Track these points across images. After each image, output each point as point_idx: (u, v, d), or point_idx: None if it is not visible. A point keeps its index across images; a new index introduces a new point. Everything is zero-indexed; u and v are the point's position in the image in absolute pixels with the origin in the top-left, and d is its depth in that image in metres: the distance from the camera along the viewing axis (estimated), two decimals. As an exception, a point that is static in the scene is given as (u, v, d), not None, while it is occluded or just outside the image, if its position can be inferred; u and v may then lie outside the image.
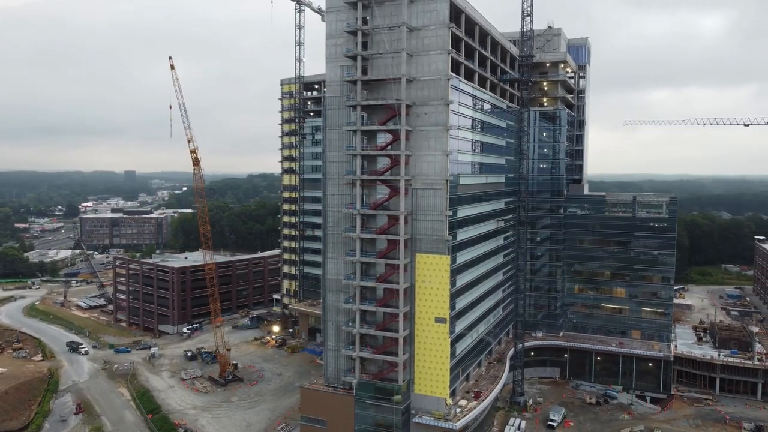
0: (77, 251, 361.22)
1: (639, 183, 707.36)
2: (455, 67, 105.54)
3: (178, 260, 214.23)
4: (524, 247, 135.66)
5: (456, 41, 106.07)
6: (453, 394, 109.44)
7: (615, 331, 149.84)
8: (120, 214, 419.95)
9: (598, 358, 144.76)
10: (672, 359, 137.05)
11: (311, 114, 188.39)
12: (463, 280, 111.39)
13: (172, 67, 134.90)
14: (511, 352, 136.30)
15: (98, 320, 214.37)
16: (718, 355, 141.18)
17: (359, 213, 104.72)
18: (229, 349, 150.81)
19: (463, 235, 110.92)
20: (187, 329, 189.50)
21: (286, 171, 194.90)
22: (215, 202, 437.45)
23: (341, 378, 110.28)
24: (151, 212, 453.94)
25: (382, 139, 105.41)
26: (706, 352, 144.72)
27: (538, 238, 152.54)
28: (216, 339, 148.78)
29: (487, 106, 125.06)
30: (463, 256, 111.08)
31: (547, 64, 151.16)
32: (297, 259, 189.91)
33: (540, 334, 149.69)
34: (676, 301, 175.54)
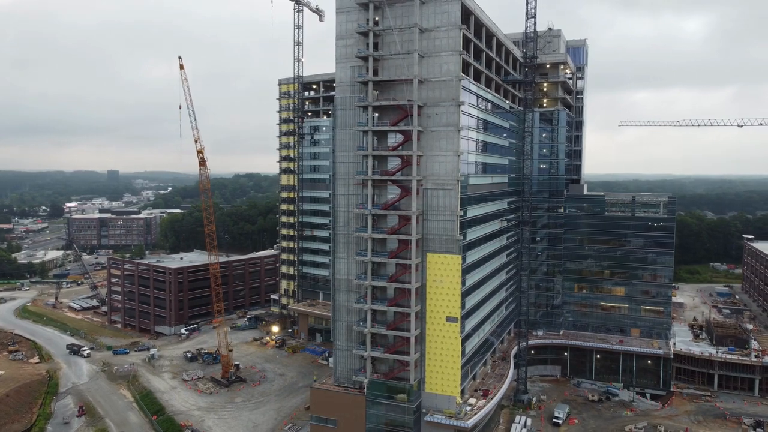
0: (66, 252, 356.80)
1: (623, 183, 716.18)
2: (465, 68, 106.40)
3: (174, 261, 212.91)
4: (527, 247, 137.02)
5: (466, 42, 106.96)
6: (462, 392, 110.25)
7: (614, 329, 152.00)
8: (108, 215, 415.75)
9: (598, 356, 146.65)
10: (672, 356, 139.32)
11: (309, 114, 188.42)
12: (471, 279, 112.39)
13: (182, 66, 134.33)
14: (514, 351, 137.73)
15: (92, 322, 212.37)
16: (716, 352, 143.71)
17: (371, 213, 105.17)
18: (231, 350, 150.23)
19: (472, 235, 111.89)
20: (185, 330, 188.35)
21: (284, 171, 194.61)
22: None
23: (352, 378, 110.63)
24: (139, 212, 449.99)
25: (393, 139, 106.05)
26: (704, 349, 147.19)
27: (538, 238, 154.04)
28: (219, 340, 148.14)
29: (493, 107, 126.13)
30: (471, 256, 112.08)
31: (548, 66, 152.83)
32: (295, 259, 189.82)
33: (541, 333, 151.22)
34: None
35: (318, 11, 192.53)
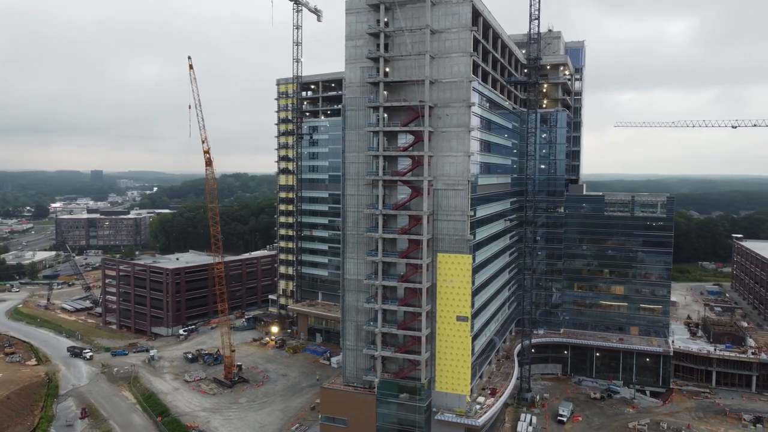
0: (59, 253, 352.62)
1: (609, 183, 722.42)
2: (474, 69, 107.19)
3: (170, 261, 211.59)
4: (531, 246, 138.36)
5: (474, 43, 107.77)
6: (471, 391, 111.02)
7: (613, 327, 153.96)
8: (97, 215, 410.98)
9: (598, 354, 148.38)
10: (671, 354, 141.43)
11: (307, 114, 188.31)
12: (480, 279, 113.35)
13: (191, 66, 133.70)
14: (517, 349, 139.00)
15: (87, 323, 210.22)
16: (714, 350, 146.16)
17: (381, 213, 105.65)
18: (234, 351, 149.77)
19: (480, 234, 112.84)
20: (184, 331, 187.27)
21: (282, 171, 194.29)
22: (199, 202, 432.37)
23: (362, 377, 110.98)
24: (127, 213, 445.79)
25: (403, 139, 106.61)
26: (702, 346, 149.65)
27: (538, 237, 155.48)
28: (222, 340, 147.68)
29: (498, 108, 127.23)
30: (480, 256, 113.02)
31: (548, 67, 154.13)
32: (294, 259, 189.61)
33: (541, 332, 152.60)
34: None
35: (316, 11, 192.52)
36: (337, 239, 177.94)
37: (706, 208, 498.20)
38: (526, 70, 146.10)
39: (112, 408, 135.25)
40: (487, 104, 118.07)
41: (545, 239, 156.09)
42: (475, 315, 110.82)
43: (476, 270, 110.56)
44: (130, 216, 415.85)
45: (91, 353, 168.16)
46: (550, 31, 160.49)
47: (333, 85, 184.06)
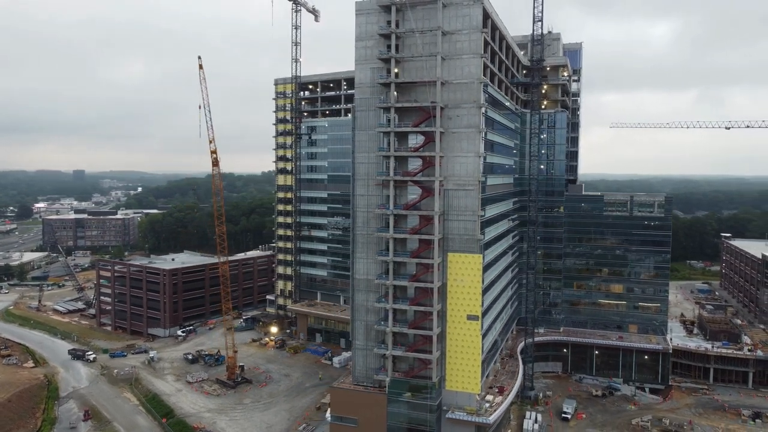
0: (50, 254, 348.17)
1: (594, 183, 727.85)
2: (483, 70, 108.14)
3: (166, 262, 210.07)
4: (534, 246, 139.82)
5: (484, 45, 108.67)
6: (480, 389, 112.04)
7: (612, 325, 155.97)
8: (84, 215, 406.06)
9: (597, 352, 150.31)
10: (670, 352, 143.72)
11: (306, 114, 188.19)
12: (488, 278, 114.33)
13: (201, 66, 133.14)
14: (520, 347, 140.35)
15: (80, 324, 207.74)
16: (712, 347, 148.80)
17: (392, 213, 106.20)
18: (236, 351, 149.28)
19: (489, 234, 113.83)
20: (182, 332, 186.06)
21: (280, 171, 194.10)
22: (188, 202, 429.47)
23: (372, 377, 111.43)
24: (115, 213, 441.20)
25: (414, 140, 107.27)
26: (700, 344, 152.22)
27: (538, 237, 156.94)
28: (225, 341, 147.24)
29: (502, 109, 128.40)
30: (488, 255, 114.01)
31: (548, 68, 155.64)
32: (292, 259, 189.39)
33: (541, 330, 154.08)
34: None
35: (314, 11, 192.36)
36: (337, 239, 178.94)
37: (690, 207, 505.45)
38: (525, 71, 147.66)
39: (115, 410, 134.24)
40: (494, 105, 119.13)
41: (544, 239, 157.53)
42: (484, 313, 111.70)
43: (485, 269, 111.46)
44: (117, 216, 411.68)
45: (94, 356, 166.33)
46: (549, 32, 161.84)
47: (332, 85, 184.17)
